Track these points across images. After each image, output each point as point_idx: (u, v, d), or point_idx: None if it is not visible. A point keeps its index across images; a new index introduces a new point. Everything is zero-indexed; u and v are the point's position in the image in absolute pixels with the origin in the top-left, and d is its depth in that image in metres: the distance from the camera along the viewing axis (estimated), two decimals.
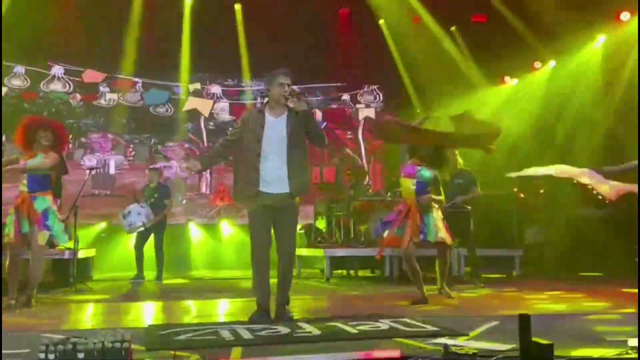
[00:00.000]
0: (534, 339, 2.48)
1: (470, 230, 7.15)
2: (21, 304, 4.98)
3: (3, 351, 2.66)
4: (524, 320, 2.51)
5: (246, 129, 4.30)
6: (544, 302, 5.20)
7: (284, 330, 3.54)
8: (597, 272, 8.36)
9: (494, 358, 2.58)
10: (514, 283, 7.36)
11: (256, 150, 4.17)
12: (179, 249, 11.15)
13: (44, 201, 5.14)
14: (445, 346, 2.49)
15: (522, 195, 10.44)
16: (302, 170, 4.25)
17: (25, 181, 5.14)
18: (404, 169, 5.60)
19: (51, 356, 2.03)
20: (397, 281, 7.59)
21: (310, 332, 3.46)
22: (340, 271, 9.06)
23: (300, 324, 3.81)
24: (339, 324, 3.73)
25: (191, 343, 3.15)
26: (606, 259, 8.50)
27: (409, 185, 5.41)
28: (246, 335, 3.39)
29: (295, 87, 4.28)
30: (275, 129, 4.20)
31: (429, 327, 3.58)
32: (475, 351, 2.54)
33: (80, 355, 2.06)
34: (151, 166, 9.78)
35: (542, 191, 10.59)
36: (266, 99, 4.41)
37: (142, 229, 8.08)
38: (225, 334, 3.42)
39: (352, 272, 9.04)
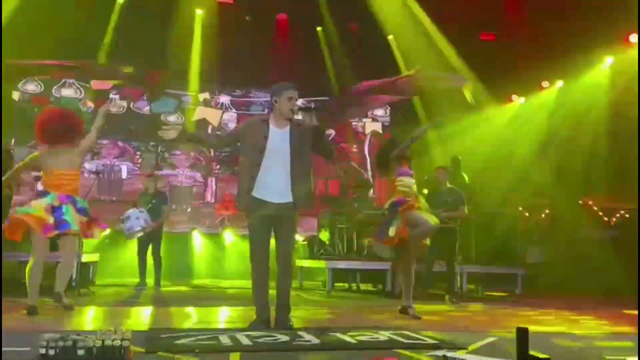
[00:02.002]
0: (532, 352, 2.49)
1: (455, 247, 7.20)
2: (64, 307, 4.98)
3: (3, 349, 2.68)
4: (522, 334, 2.52)
5: (248, 137, 4.32)
6: (543, 321, 5.18)
7: (283, 338, 3.55)
8: (600, 293, 8.32)
9: None
10: (517, 301, 7.33)
11: (257, 160, 4.19)
12: (182, 258, 11.18)
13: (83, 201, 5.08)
14: (444, 356, 2.49)
15: (526, 214, 10.45)
16: (305, 181, 4.26)
17: None
18: (401, 171, 5.43)
19: (51, 352, 2.06)
20: (399, 295, 7.56)
21: (309, 341, 3.47)
22: (342, 284, 9.05)
23: (299, 332, 3.82)
24: (338, 334, 3.73)
25: (191, 347, 3.16)
26: (609, 280, 8.46)
27: (410, 183, 5.37)
28: (245, 341, 3.41)
29: (303, 101, 4.29)
30: (279, 140, 4.21)
31: (428, 340, 3.58)
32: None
33: (80, 352, 2.09)
34: (147, 173, 9.81)
35: (547, 211, 10.59)
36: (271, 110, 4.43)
37: (141, 234, 8.12)
38: (225, 340, 3.43)
39: (353, 285, 9.03)
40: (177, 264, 10.78)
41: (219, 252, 11.63)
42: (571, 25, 8.76)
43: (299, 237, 9.74)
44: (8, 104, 10.91)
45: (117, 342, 2.13)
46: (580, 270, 8.84)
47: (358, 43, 11.48)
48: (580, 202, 10.26)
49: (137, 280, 8.40)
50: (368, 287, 9.16)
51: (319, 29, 11.72)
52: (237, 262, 11.22)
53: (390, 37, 11.44)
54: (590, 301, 7.54)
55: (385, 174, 5.70)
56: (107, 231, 10.87)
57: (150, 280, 8.42)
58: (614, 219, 10.26)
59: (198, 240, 11.71)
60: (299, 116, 4.37)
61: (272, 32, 11.47)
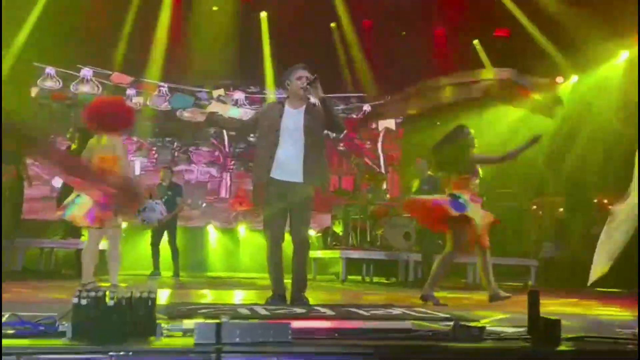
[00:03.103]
0: (543, 315, 2.56)
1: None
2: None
3: (36, 313, 2.78)
4: (533, 296, 2.59)
5: (265, 119, 4.45)
6: (555, 306, 5.22)
7: (299, 310, 3.65)
8: (617, 287, 8.30)
9: (502, 333, 2.66)
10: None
11: (273, 139, 4.31)
12: (197, 251, 11.34)
13: None
14: (456, 321, 2.57)
15: (540, 212, 10.44)
16: (318, 161, 4.35)
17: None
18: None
19: (84, 301, 2.17)
20: (412, 285, 7.63)
21: (325, 312, 3.57)
22: (355, 277, 9.13)
23: (315, 307, 3.92)
24: (352, 309, 3.83)
25: (213, 314, 3.26)
26: (625, 274, 8.41)
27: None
28: (263, 312, 3.51)
29: (304, 82, 4.29)
30: (293, 120, 4.32)
31: (440, 314, 3.66)
32: (485, 325, 2.63)
33: (111, 303, 2.20)
34: (164, 166, 9.98)
35: (560, 209, 10.58)
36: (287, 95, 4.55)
37: (156, 224, 8.34)
38: (243, 311, 3.54)
39: (367, 278, 9.10)
40: (193, 257, 10.95)
41: (233, 246, 11.77)
42: (586, 19, 8.77)
43: (311, 232, 9.83)
44: (26, 100, 11.15)
45: (145, 295, 2.24)
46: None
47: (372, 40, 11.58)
48: (595, 200, 10.24)
49: (152, 270, 8.58)
50: (381, 279, 9.23)
51: (333, 25, 11.83)
52: (252, 256, 11.36)
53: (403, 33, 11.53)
54: (605, 294, 7.53)
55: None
56: (123, 225, 11.07)
57: (168, 272, 8.62)
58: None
59: (213, 235, 11.86)
60: (314, 100, 4.48)
61: (286, 28, 11.60)
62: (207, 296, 5.42)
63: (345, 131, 4.60)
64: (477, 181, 5.10)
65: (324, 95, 4.31)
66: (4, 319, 2.43)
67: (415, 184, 7.70)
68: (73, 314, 2.19)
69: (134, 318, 2.23)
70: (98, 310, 2.19)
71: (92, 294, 2.19)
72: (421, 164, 7.68)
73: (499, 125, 10.22)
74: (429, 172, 7.37)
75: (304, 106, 4.41)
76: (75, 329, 2.18)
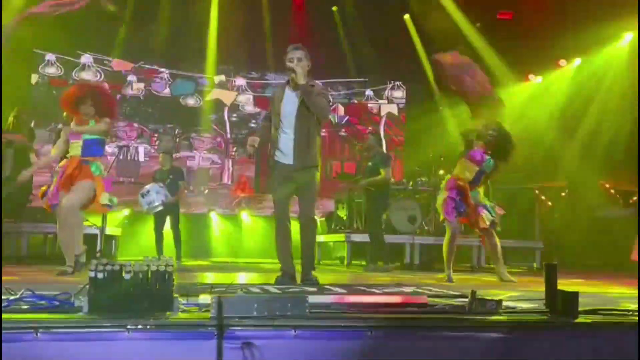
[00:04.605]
0: (560, 287, 2.55)
1: (377, 213, 7.24)
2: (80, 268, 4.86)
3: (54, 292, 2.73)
4: (550, 269, 2.58)
5: (273, 103, 4.52)
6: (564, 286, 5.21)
7: (310, 289, 3.63)
8: (622, 268, 8.30)
9: (519, 307, 2.65)
10: (536, 274, 7.35)
11: (276, 123, 4.40)
12: (200, 238, 11.34)
13: (97, 167, 4.95)
14: (473, 291, 2.55)
15: (542, 197, 10.42)
16: (307, 142, 4.34)
17: (77, 145, 4.94)
18: (470, 153, 5.40)
19: (100, 275, 2.15)
20: (417, 268, 7.64)
21: (336, 291, 3.55)
22: (359, 261, 9.12)
23: (326, 286, 3.91)
24: (363, 288, 3.81)
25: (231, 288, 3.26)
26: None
27: (466, 171, 5.35)
28: (274, 290, 3.50)
29: (293, 64, 4.27)
30: (290, 102, 4.37)
31: (453, 292, 3.65)
32: (501, 298, 2.61)
33: (127, 277, 2.18)
34: (162, 150, 9.93)
35: (563, 194, 10.56)
36: None
37: (160, 208, 8.28)
38: (254, 290, 3.52)
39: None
40: (196, 243, 10.94)
41: (236, 233, 11.78)
42: (588, 1, 8.70)
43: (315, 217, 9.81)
44: (27, 86, 11.09)
45: (162, 268, 2.22)
46: (603, 247, 8.81)
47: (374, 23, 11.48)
48: (599, 183, 10.22)
49: (155, 256, 8.58)
50: None
51: (334, 8, 11.74)
52: (254, 241, 11.38)
53: (406, 16, 11.44)
54: (613, 274, 7.53)
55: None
56: (127, 212, 11.08)
57: (170, 256, 8.60)
58: (631, 201, 10.20)
59: (215, 221, 11.85)
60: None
61: (288, 13, 11.52)
62: (214, 279, 5.40)
63: (327, 116, 4.56)
64: None
65: (303, 83, 4.26)
66: (17, 295, 2.42)
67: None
68: (89, 287, 2.17)
69: (151, 292, 2.22)
70: (114, 284, 2.17)
71: (109, 267, 2.17)
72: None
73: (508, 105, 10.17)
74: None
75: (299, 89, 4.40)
76: (92, 303, 2.17)
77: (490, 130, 5.31)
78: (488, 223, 5.31)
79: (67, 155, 5.07)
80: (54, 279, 4.43)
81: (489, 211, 5.33)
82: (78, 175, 4.82)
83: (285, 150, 4.35)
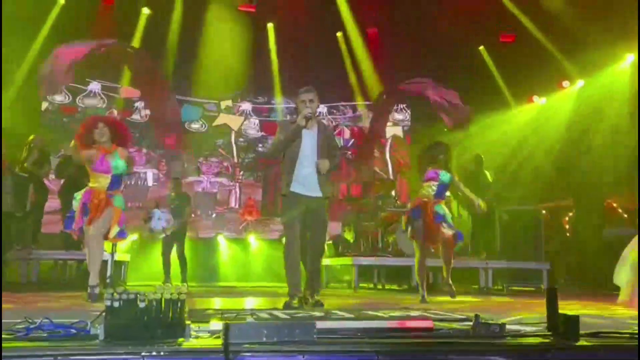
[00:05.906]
0: (561, 311, 2.60)
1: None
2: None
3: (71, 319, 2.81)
4: (551, 293, 2.64)
5: (285, 141, 4.73)
6: (570, 308, 5.24)
7: (318, 313, 3.70)
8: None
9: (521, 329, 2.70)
10: (544, 295, 7.33)
11: (293, 156, 4.65)
12: (208, 262, 11.39)
13: (121, 201, 5.16)
14: (477, 317, 2.61)
15: (549, 217, 10.44)
16: (327, 176, 4.71)
17: (105, 179, 5.05)
18: (426, 175, 5.93)
19: (116, 304, 2.24)
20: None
21: (343, 315, 3.62)
22: (367, 284, 9.15)
23: (333, 311, 3.97)
24: (370, 312, 3.87)
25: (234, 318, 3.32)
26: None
27: (429, 189, 5.84)
28: (282, 315, 3.56)
29: (309, 110, 4.59)
30: (308, 138, 4.66)
31: (458, 315, 3.70)
32: (505, 322, 2.67)
33: (142, 305, 2.26)
34: (173, 177, 10.09)
35: (570, 214, 10.58)
36: None
37: (163, 234, 8.45)
38: (264, 315, 3.59)
39: (379, 284, 9.12)
40: (203, 267, 11.02)
41: (243, 256, 11.83)
42: (590, 23, 8.81)
43: None
44: (36, 113, 11.27)
45: (175, 296, 2.30)
46: (607, 266, 8.79)
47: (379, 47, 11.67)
48: (606, 202, 10.23)
49: (162, 280, 8.66)
50: (393, 286, 9.25)
51: (339, 34, 11.94)
52: (262, 265, 11.42)
53: None
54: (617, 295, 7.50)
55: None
56: (135, 237, 11.17)
57: (176, 282, 8.68)
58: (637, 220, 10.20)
59: (223, 245, 11.92)
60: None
61: (293, 38, 11.71)
62: (222, 303, 5.46)
63: (336, 165, 4.86)
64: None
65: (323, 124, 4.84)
66: (36, 324, 2.50)
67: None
68: (106, 316, 2.26)
69: (164, 319, 2.30)
70: (130, 312, 2.26)
71: (124, 296, 2.26)
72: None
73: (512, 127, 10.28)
74: None
75: (317, 126, 4.72)
76: (108, 331, 2.25)
77: (432, 152, 5.89)
78: (451, 232, 5.74)
79: (88, 184, 5.20)
80: (66, 306, 4.50)
81: (449, 224, 5.75)
82: (104, 207, 5.00)
83: (306, 183, 4.60)
